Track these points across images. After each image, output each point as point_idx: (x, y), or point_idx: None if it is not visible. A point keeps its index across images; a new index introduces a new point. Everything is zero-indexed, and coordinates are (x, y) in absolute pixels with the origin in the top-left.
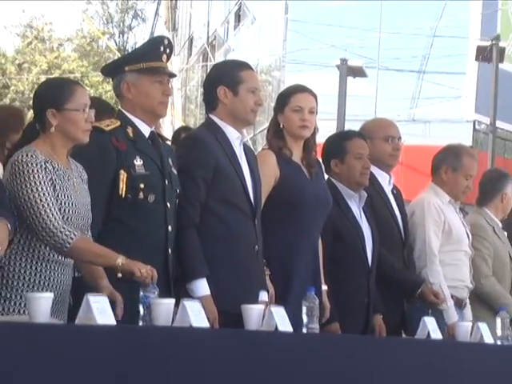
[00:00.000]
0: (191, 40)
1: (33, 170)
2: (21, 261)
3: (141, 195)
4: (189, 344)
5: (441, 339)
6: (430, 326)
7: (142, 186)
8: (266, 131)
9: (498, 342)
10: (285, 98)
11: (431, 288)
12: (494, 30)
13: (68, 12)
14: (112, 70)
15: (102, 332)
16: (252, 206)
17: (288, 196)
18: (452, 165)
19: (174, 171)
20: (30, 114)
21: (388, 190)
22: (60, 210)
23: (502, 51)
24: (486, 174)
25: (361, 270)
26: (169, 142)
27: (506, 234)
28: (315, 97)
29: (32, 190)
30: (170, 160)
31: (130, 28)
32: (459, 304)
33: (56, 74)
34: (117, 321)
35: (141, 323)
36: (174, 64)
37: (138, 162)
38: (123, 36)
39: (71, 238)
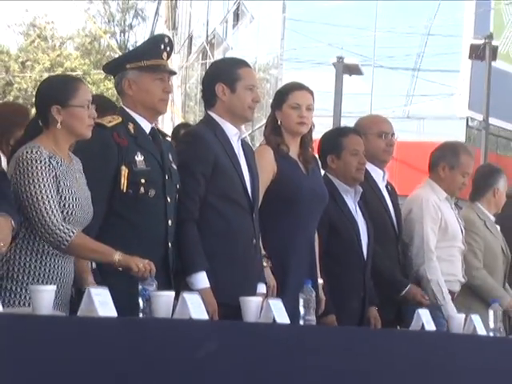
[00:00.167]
0: (191, 38)
1: (36, 167)
2: (26, 254)
3: (142, 190)
4: (188, 336)
5: (434, 331)
6: (423, 318)
7: (142, 181)
8: (263, 128)
9: (491, 334)
10: (283, 96)
11: (418, 289)
12: (487, 29)
13: (70, 11)
14: (113, 68)
15: (104, 324)
16: (250, 201)
17: (285, 191)
18: (450, 163)
19: (174, 167)
20: (33, 111)
21: (382, 185)
22: (65, 205)
23: (494, 50)
24: (479, 170)
25: (356, 264)
26: (168, 138)
27: (498, 227)
28: (312, 94)
29: (34, 187)
30: (170, 156)
31: (131, 27)
32: (451, 296)
33: (58, 71)
34: (118, 313)
35: (141, 315)
36: (174, 62)
37: (139, 157)
38: (124, 35)
39: (69, 236)
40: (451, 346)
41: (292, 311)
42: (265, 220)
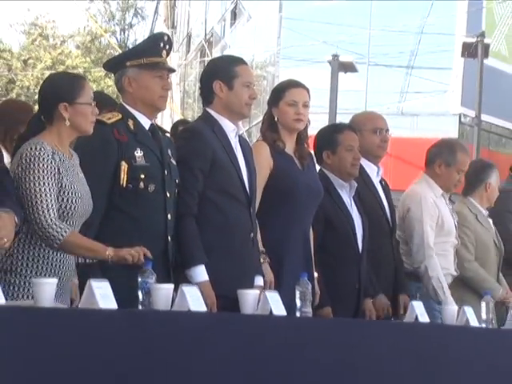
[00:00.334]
0: (189, 37)
1: (38, 165)
2: (29, 248)
3: (141, 185)
4: (187, 327)
5: (428, 322)
6: (417, 310)
7: (142, 176)
8: (260, 124)
9: (483, 326)
10: (279, 93)
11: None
12: (479, 28)
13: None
14: (114, 66)
15: (104, 316)
16: (247, 195)
17: (281, 186)
18: (446, 160)
19: (174, 162)
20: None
21: (376, 181)
22: (68, 199)
23: (486, 47)
24: (471, 165)
25: (352, 257)
26: (168, 135)
27: (490, 221)
28: (308, 91)
29: (34, 184)
30: (169, 151)
31: (131, 26)
32: None
33: (60, 69)
34: (118, 306)
35: (140, 308)
36: (173, 60)
37: (139, 153)
38: (124, 33)
39: (62, 235)
40: (444, 337)
41: (288, 303)
42: (261, 214)
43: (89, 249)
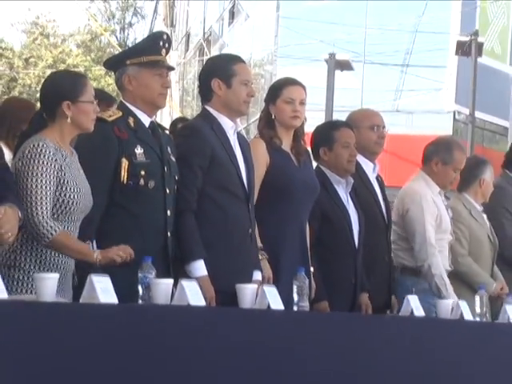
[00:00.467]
0: (188, 36)
1: (39, 161)
2: (32, 244)
3: (141, 182)
4: (186, 321)
5: (423, 316)
6: (413, 304)
7: (142, 173)
8: (258, 121)
9: (477, 319)
10: (276, 90)
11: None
12: (473, 27)
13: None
14: (114, 64)
15: (105, 310)
16: (246, 192)
17: (277, 182)
18: (443, 159)
19: (173, 159)
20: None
21: (372, 177)
22: (70, 195)
23: (480, 46)
24: (466, 162)
25: (348, 252)
26: (167, 132)
27: (485, 216)
28: (305, 89)
29: (32, 180)
30: (168, 148)
31: (131, 25)
32: None
33: (61, 68)
34: (118, 300)
35: (140, 302)
36: (172, 58)
37: (139, 150)
38: (124, 32)
39: (51, 234)
40: (439, 330)
41: (286, 298)
42: (258, 210)
43: (77, 251)
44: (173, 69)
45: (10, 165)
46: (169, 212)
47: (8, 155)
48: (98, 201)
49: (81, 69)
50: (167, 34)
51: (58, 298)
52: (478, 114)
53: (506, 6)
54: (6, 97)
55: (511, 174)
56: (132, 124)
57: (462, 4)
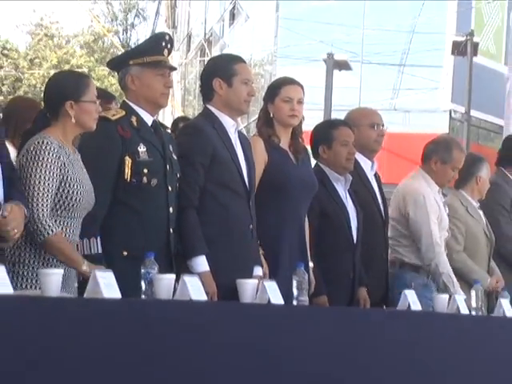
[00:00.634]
0: (189, 36)
1: (43, 159)
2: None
3: (144, 180)
4: (188, 316)
5: (420, 310)
6: (410, 299)
7: (145, 171)
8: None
9: (473, 313)
10: (275, 90)
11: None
12: (469, 27)
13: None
14: (117, 64)
15: (108, 305)
16: (247, 189)
17: (275, 180)
18: (442, 158)
19: (175, 157)
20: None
21: (371, 175)
22: (73, 192)
23: (475, 46)
24: None
25: (347, 247)
26: (169, 131)
27: (481, 212)
28: (302, 88)
29: (35, 176)
30: (170, 147)
31: (133, 26)
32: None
33: (65, 68)
34: (122, 295)
35: (143, 297)
36: (174, 59)
37: (142, 148)
38: (127, 33)
39: (47, 233)
40: (435, 324)
41: (286, 293)
42: (257, 207)
43: (67, 256)
44: (175, 69)
45: (14, 163)
46: (171, 209)
47: (13, 153)
48: (102, 199)
49: (85, 69)
50: (169, 35)
51: (62, 293)
52: (474, 113)
53: (501, 7)
54: (11, 96)
55: (506, 172)
56: (135, 123)
57: (457, 5)
